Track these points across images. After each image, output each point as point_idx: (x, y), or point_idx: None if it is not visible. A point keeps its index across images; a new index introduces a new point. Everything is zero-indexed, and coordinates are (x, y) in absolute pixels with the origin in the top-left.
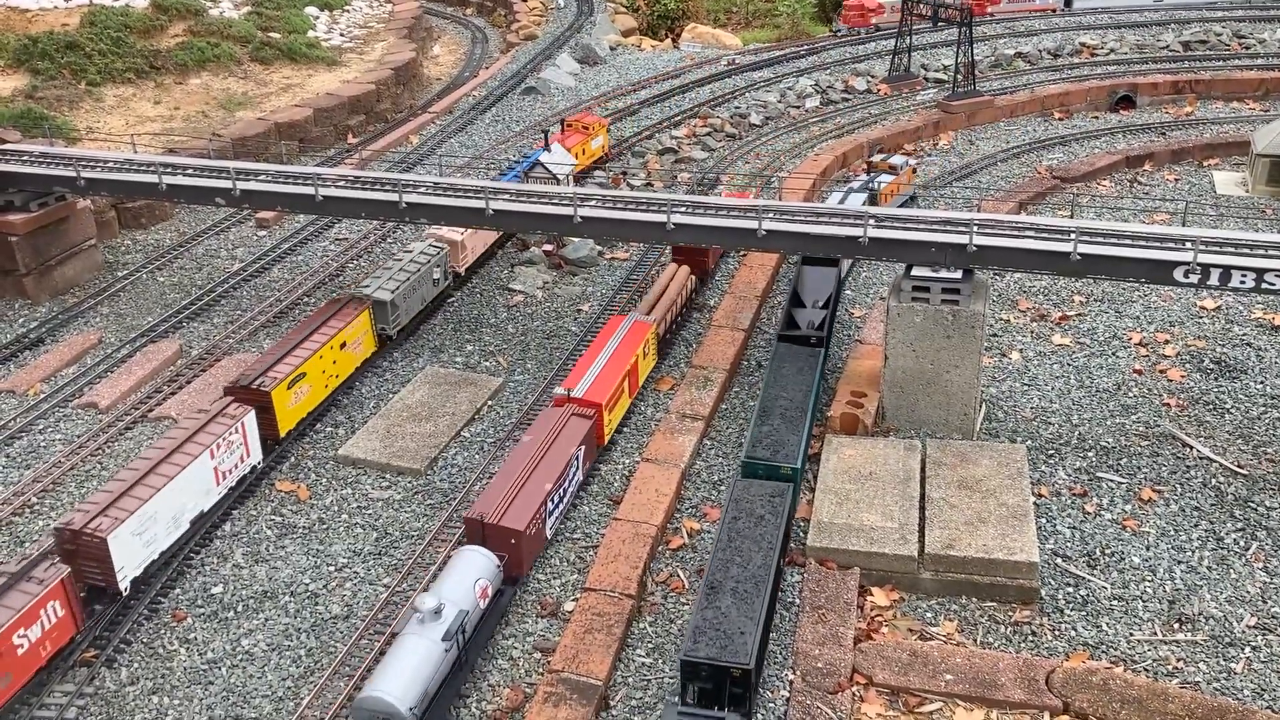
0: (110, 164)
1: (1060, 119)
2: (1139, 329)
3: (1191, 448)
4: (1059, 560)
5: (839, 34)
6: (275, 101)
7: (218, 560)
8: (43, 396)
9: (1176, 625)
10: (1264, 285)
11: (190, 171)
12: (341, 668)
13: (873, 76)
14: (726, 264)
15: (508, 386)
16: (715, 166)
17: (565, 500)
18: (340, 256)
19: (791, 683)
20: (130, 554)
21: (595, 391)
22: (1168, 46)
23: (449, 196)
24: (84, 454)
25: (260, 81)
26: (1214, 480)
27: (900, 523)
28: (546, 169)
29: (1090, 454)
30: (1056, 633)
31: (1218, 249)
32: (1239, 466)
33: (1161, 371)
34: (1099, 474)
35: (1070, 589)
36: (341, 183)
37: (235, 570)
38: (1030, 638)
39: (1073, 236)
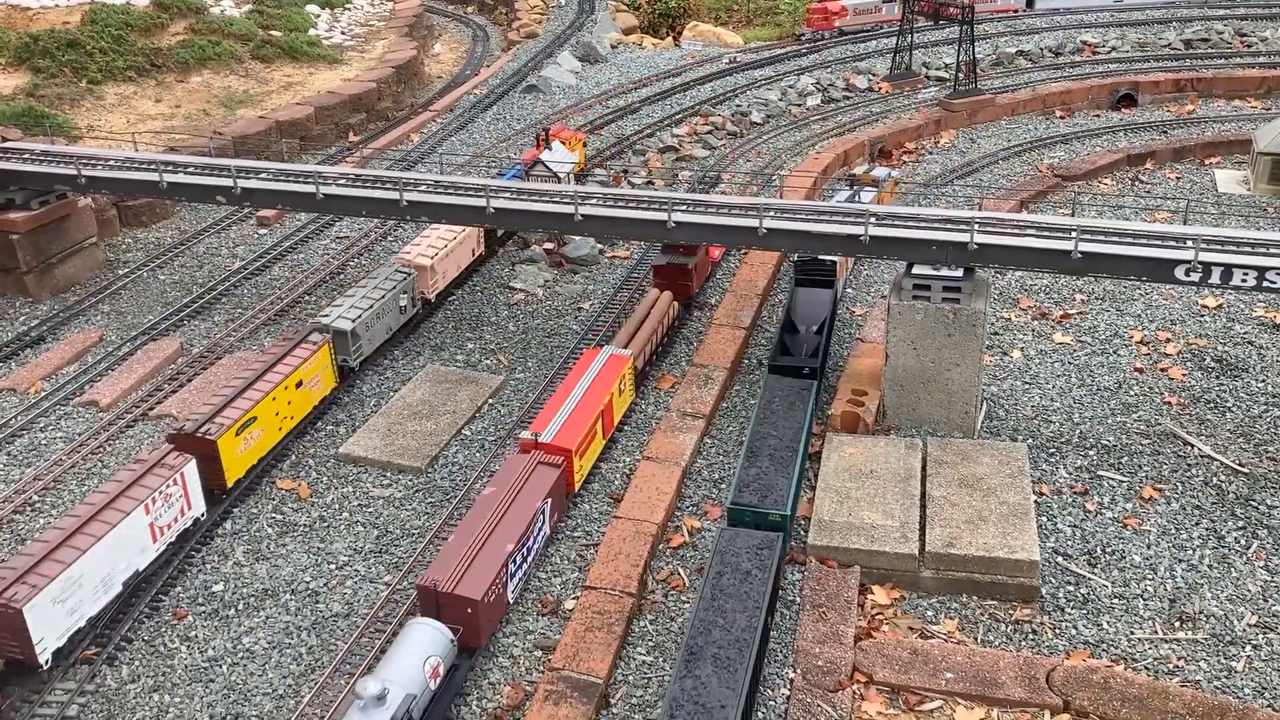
0: (111, 162)
1: (1062, 117)
2: (1140, 327)
3: (1193, 446)
4: (1060, 558)
5: (803, 38)
6: (276, 100)
7: (219, 558)
8: (44, 394)
9: (1177, 624)
10: (1265, 283)
11: (191, 170)
12: (342, 665)
13: (874, 75)
14: (728, 262)
15: (509, 385)
16: (716, 165)
17: (530, 559)
18: (341, 255)
19: (792, 681)
20: (51, 624)
21: (565, 436)
22: (1169, 44)
23: (450, 194)
24: (85, 452)
25: (261, 80)
26: (1215, 479)
27: (901, 521)
28: (547, 167)
29: (1091, 452)
30: (1057, 631)
31: (1219, 247)
32: (1240, 465)
33: (1163, 370)
34: (1100, 472)
35: (1071, 587)
36: (342, 181)
37: (236, 568)
38: (1031, 636)
39: (1074, 235)
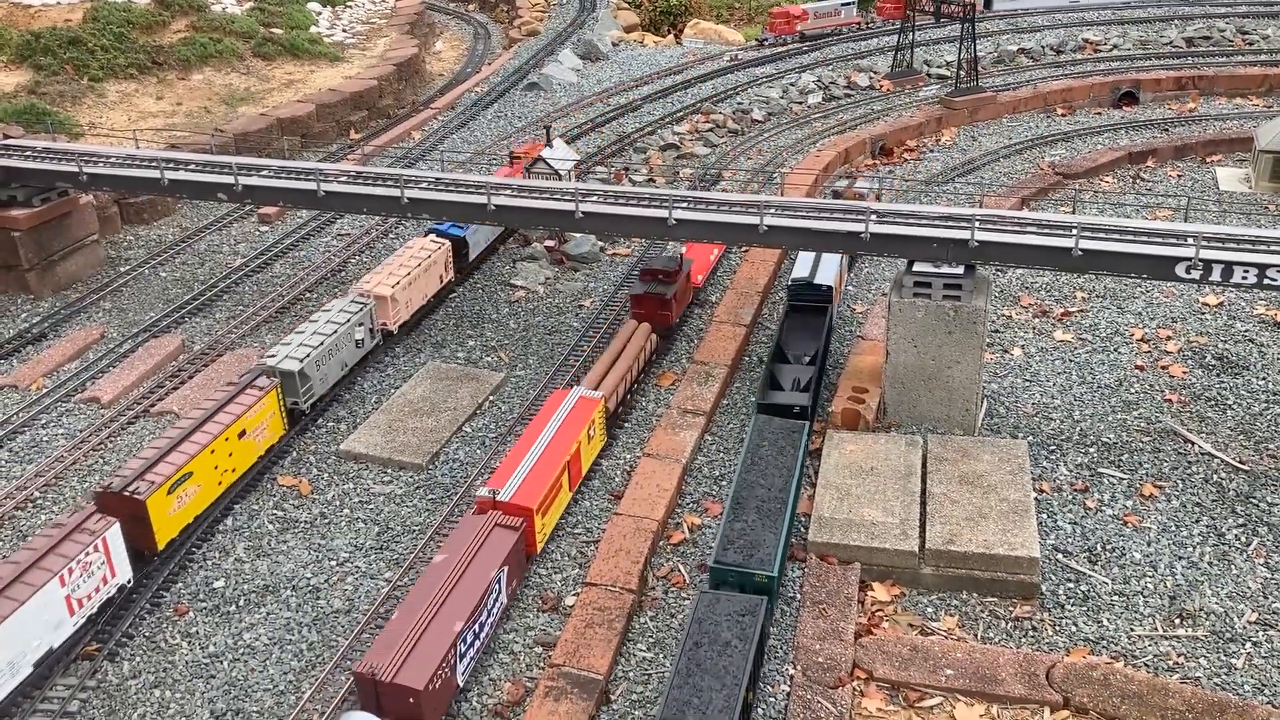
0: (113, 159)
1: (1063, 115)
2: (1141, 325)
3: (1193, 443)
4: (1060, 556)
5: (765, 43)
6: (277, 97)
7: (219, 555)
8: (45, 391)
9: (1177, 620)
10: (1266, 281)
11: (193, 167)
12: (343, 661)
13: (875, 72)
14: (728, 260)
15: (509, 382)
16: (718, 162)
17: (484, 635)
18: (342, 252)
19: (792, 677)
20: None
21: (526, 493)
22: (1171, 42)
23: (451, 192)
24: (86, 449)
25: (262, 77)
26: (1215, 476)
27: (901, 518)
28: (548, 164)
29: (1092, 450)
30: (1057, 628)
31: (1220, 245)
32: (1240, 462)
33: (1163, 367)
34: (1100, 470)
35: (1071, 584)
36: (344, 178)
37: (237, 564)
38: (1031, 633)
39: (1075, 232)
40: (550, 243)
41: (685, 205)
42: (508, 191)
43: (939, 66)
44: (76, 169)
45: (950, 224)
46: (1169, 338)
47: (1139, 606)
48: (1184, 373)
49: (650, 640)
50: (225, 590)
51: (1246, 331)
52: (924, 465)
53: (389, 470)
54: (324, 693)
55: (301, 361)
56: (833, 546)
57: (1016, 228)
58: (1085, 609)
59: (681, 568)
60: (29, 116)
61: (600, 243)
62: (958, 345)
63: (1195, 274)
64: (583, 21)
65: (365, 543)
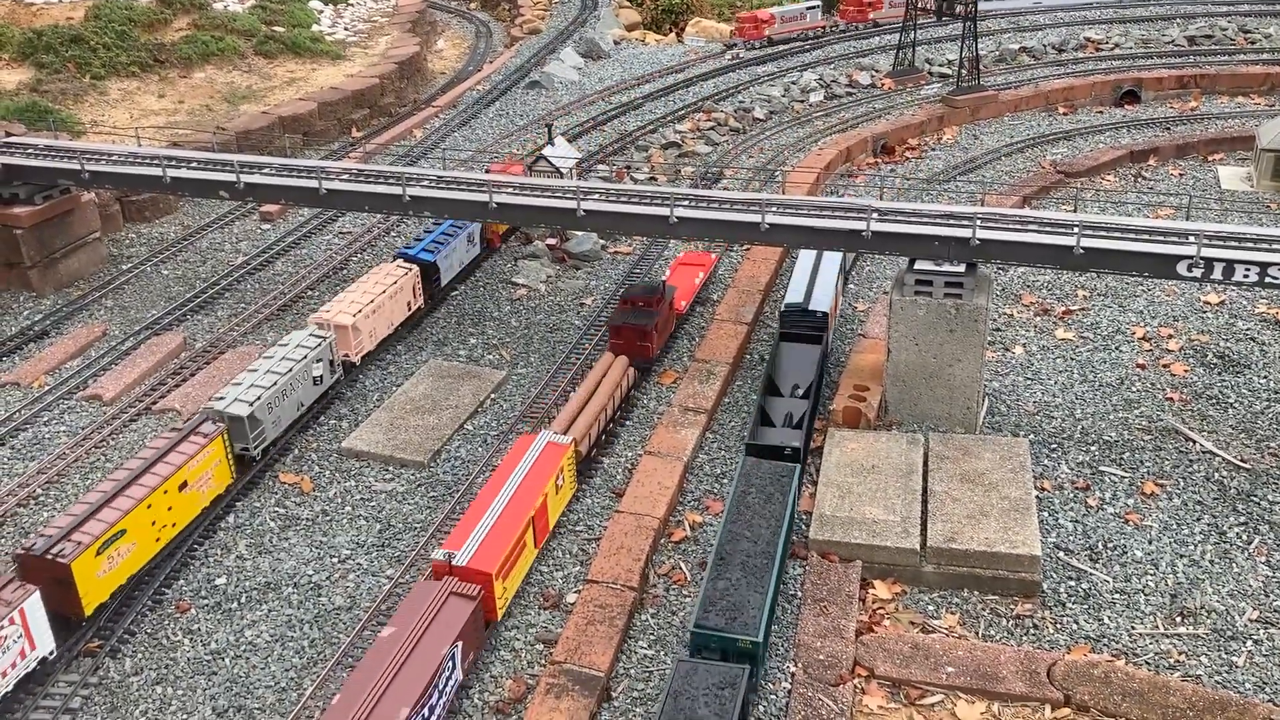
0: (115, 157)
1: (1065, 113)
2: (1142, 323)
3: (1194, 442)
4: (1061, 554)
5: (734, 48)
6: (279, 95)
7: (221, 552)
8: (47, 389)
9: (1178, 619)
10: (1268, 279)
11: (194, 165)
12: (344, 658)
13: (877, 71)
14: (730, 258)
15: (511, 380)
16: (719, 161)
17: (437, 716)
18: (344, 250)
19: (793, 675)
20: None
21: (485, 555)
22: (1173, 41)
23: (452, 190)
24: (88, 446)
25: (264, 75)
26: (1217, 474)
27: (902, 516)
28: (550, 162)
29: (1093, 448)
30: (1058, 626)
31: (1221, 243)
32: (1242, 461)
33: (1165, 366)
34: (1102, 468)
35: (1072, 582)
36: (345, 176)
37: (239, 561)
38: (1032, 631)
39: (1076, 230)
40: (552, 241)
41: (687, 203)
42: (509, 189)
43: (941, 65)
44: (79, 167)
45: (952, 222)
46: (1170, 336)
47: (1140, 604)
48: (1185, 371)
49: (651, 638)
50: (227, 587)
51: (1248, 330)
52: (925, 463)
53: (391, 468)
54: (325, 690)
55: (252, 404)
56: (834, 544)
57: (1018, 226)
58: (1086, 607)
59: (683, 565)
60: (31, 114)
61: (602, 241)
62: (959, 343)
63: (1197, 272)
64: (584, 20)
65: (367, 540)
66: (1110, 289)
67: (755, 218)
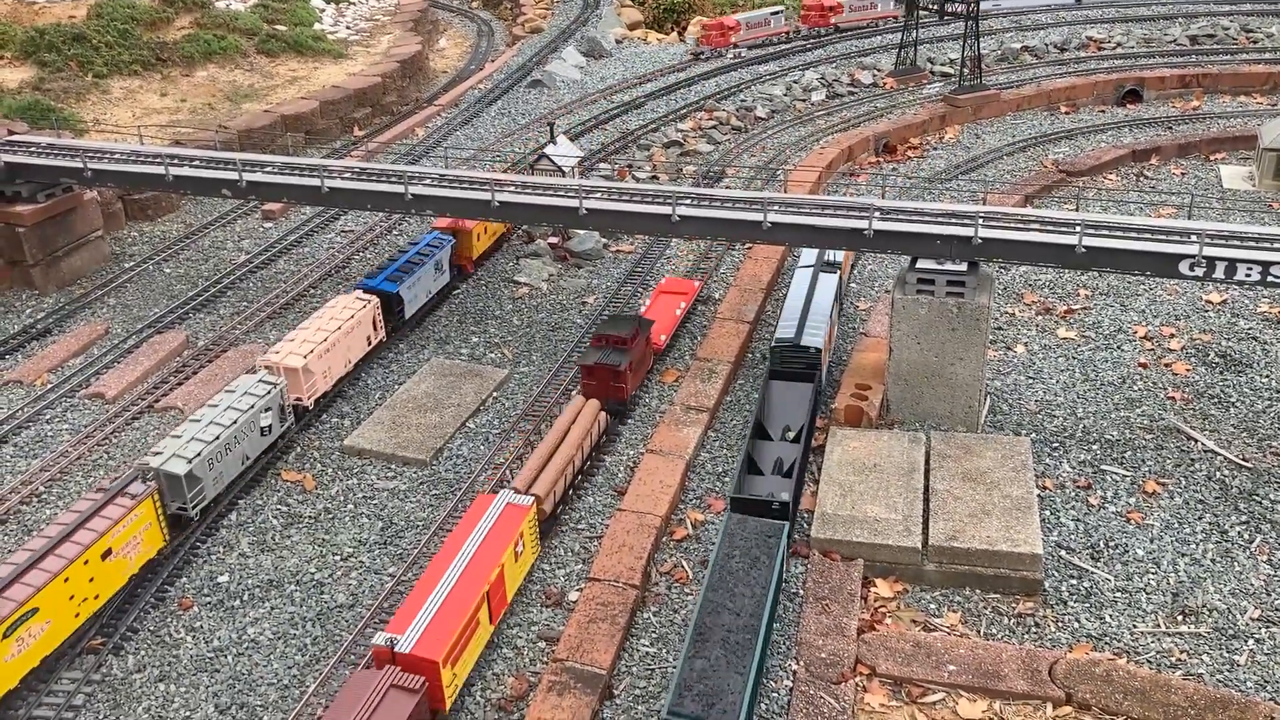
0: (117, 155)
1: (1067, 113)
2: (1144, 323)
3: (1196, 441)
4: (1063, 552)
5: (702, 57)
6: (281, 94)
7: (224, 549)
8: (50, 387)
9: (1180, 617)
10: (1270, 278)
11: (197, 163)
12: (347, 656)
13: (879, 70)
14: (731, 255)
15: (513, 378)
16: (721, 160)
17: None
18: (346, 248)
19: (795, 673)
20: None
21: (431, 640)
22: (1175, 40)
23: (454, 188)
24: (91, 444)
25: (266, 74)
26: (1218, 473)
27: (904, 514)
28: (552, 161)
29: (1095, 447)
30: (1060, 624)
31: (1223, 242)
32: (1244, 460)
33: (1166, 365)
34: (1103, 467)
35: (1074, 581)
36: (347, 174)
37: (241, 559)
38: (1034, 629)
39: (1078, 229)
40: (553, 239)
41: (689, 202)
42: (511, 188)
43: (942, 64)
44: (81, 165)
45: (954, 221)
46: (1172, 335)
47: (1142, 603)
48: (1187, 370)
49: (653, 635)
50: (229, 585)
51: (1250, 329)
52: (927, 462)
53: (393, 466)
54: (328, 687)
55: (191, 461)
56: (836, 543)
57: (1020, 225)
58: (1088, 605)
59: (684, 563)
60: (33, 113)
61: (604, 240)
62: (961, 342)
63: (1199, 271)
64: (586, 19)
65: (369, 538)
66: (1112, 288)
67: (757, 216)
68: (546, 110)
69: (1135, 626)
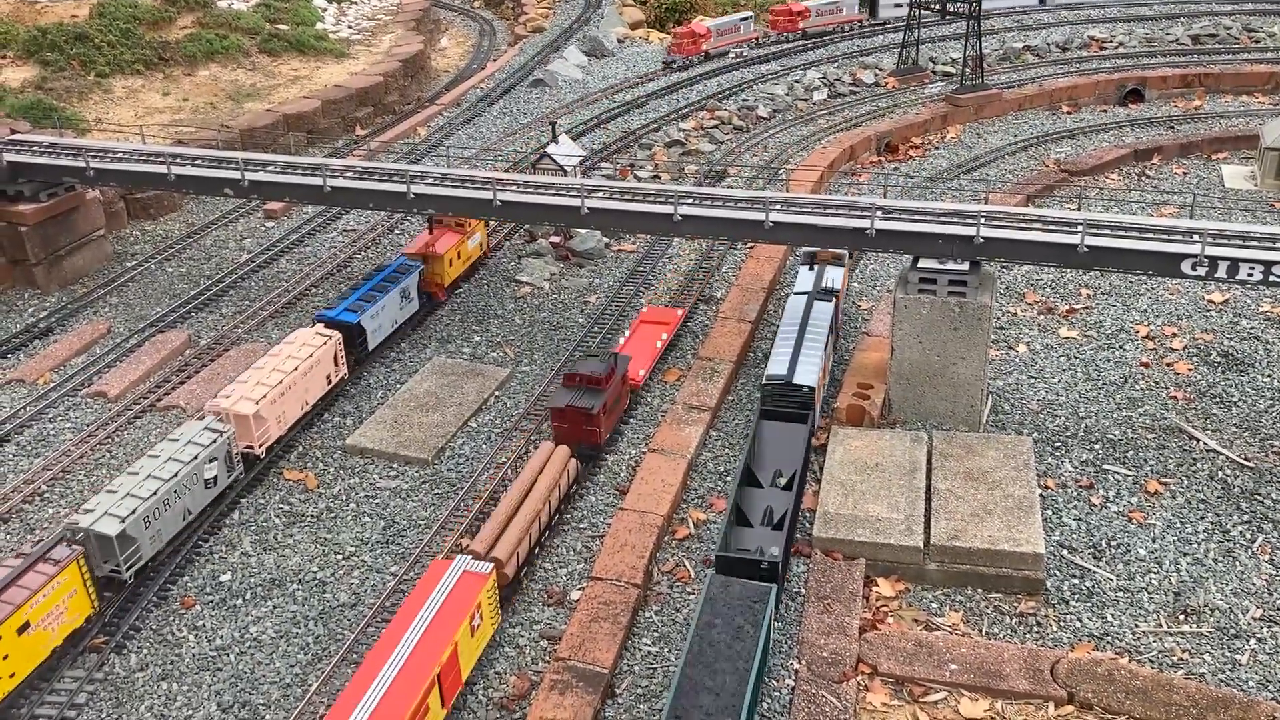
0: (119, 154)
1: (1069, 112)
2: (1146, 322)
3: (1198, 440)
4: (1065, 552)
5: (674, 65)
6: (283, 93)
7: (226, 548)
8: (52, 386)
9: (1182, 617)
10: (1272, 278)
11: (199, 162)
12: (349, 655)
13: (880, 69)
14: (733, 255)
15: (515, 377)
16: (723, 159)
17: None
18: (348, 247)
19: (797, 672)
20: None
21: None
22: (1177, 40)
23: (456, 187)
24: (93, 443)
25: (268, 73)
26: (1221, 473)
27: (906, 514)
28: (554, 160)
29: (1097, 446)
30: (1062, 624)
31: (1225, 242)
32: (1246, 459)
33: (1169, 365)
34: (1105, 466)
35: (1076, 580)
36: (349, 174)
37: (244, 558)
38: (1035, 628)
39: (1080, 229)
40: (555, 239)
41: (691, 201)
42: (514, 187)
43: (944, 64)
44: (83, 164)
45: (956, 221)
46: (1174, 335)
47: (1143, 603)
48: (1189, 370)
49: (655, 635)
50: (232, 584)
51: (1252, 329)
52: (929, 461)
53: (395, 465)
54: (330, 686)
55: (124, 520)
56: (837, 542)
57: (1022, 224)
58: (1090, 605)
59: (686, 563)
60: (36, 112)
61: (605, 239)
62: (963, 342)
63: (1201, 271)
64: (588, 18)
65: (371, 537)
66: (1114, 287)
67: (759, 216)
68: (548, 109)
69: (1137, 626)
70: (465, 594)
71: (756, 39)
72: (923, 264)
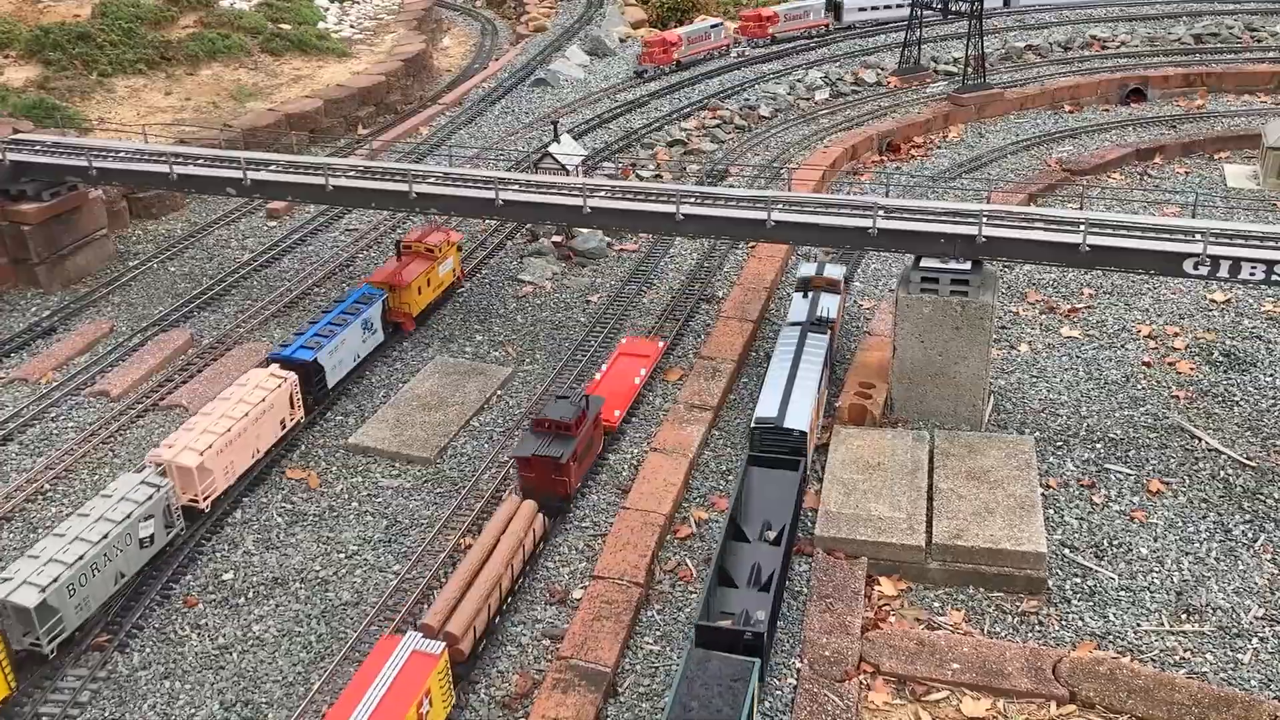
0: (122, 154)
1: (1071, 112)
2: (1148, 321)
3: (1200, 440)
4: (1067, 551)
5: (644, 75)
6: (286, 93)
7: (229, 547)
8: (55, 385)
9: (1184, 616)
10: (1274, 277)
11: (201, 162)
12: (351, 654)
13: (883, 69)
14: (735, 254)
15: (516, 376)
16: (725, 158)
17: None
18: (350, 247)
19: (799, 671)
20: None
21: None
22: (1179, 39)
23: (459, 186)
24: (96, 441)
25: (271, 73)
26: (1222, 472)
27: (908, 513)
28: (556, 160)
29: (1099, 446)
30: (1064, 623)
31: (1227, 241)
32: (1248, 459)
33: (1170, 364)
34: (1107, 465)
35: (1078, 579)
36: (352, 173)
37: (246, 557)
38: (1037, 627)
39: (1082, 228)
40: (557, 238)
41: (693, 201)
42: (516, 186)
43: (946, 63)
44: (86, 163)
45: (958, 220)
46: (1176, 334)
47: (1145, 602)
48: (1191, 369)
49: (657, 633)
50: (234, 582)
51: (1254, 328)
52: (931, 460)
53: (397, 464)
54: (332, 684)
55: (44, 589)
56: (840, 541)
57: (1024, 223)
58: (1092, 604)
59: (689, 562)
60: (38, 111)
61: (607, 238)
62: (965, 341)
63: (1203, 270)
64: (590, 18)
65: (373, 536)
66: (1116, 287)
67: (761, 215)
68: (550, 109)
69: (1139, 625)
70: (414, 677)
71: (727, 46)
72: (925, 263)
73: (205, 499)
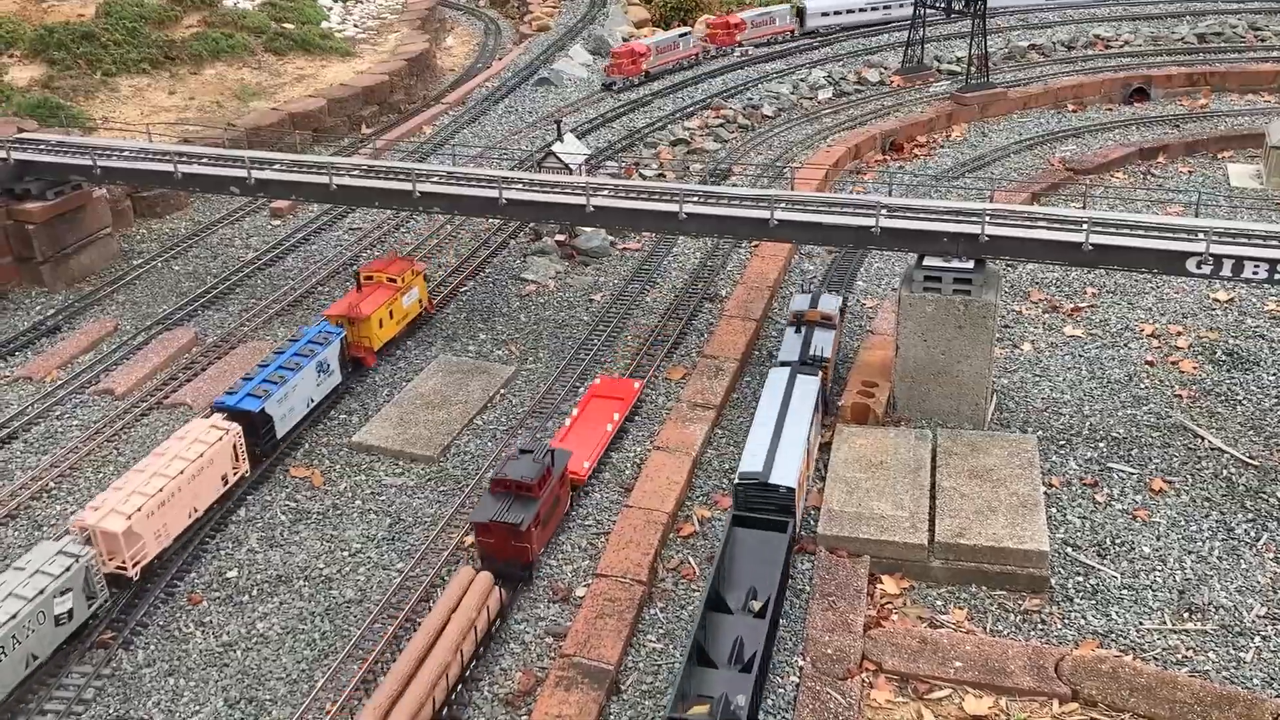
0: (126, 153)
1: (1074, 111)
2: (1151, 320)
3: (1203, 439)
4: (1069, 550)
5: (613, 87)
6: (289, 92)
7: (233, 545)
8: (60, 383)
9: (1186, 615)
10: (1277, 276)
11: (205, 161)
12: (355, 651)
13: (886, 68)
14: (738, 253)
15: (520, 375)
16: (728, 158)
17: None
18: (354, 246)
19: (801, 669)
20: None
21: None
22: (1182, 39)
23: (462, 186)
24: (100, 440)
25: (274, 72)
26: (1225, 471)
27: (911, 511)
28: (559, 158)
29: (1101, 444)
30: (1066, 621)
31: (1230, 240)
32: (1250, 458)
33: (1173, 363)
34: (1110, 464)
35: (1080, 578)
36: (355, 172)
37: (250, 555)
38: (1040, 626)
39: (1085, 227)
40: (561, 237)
41: (696, 199)
42: (519, 185)
43: (950, 62)
44: (90, 162)
45: (961, 219)
46: (1179, 333)
47: (1148, 600)
48: (1194, 368)
49: (660, 631)
50: (238, 580)
51: (1257, 327)
52: (933, 459)
53: (401, 462)
54: (336, 681)
55: None
56: (842, 539)
57: (1027, 223)
58: (1094, 602)
59: (691, 560)
60: (43, 111)
61: (611, 237)
62: (968, 340)
63: (1206, 269)
64: (593, 17)
65: (377, 534)
66: (1119, 286)
67: (764, 214)
68: (553, 108)
69: (1141, 623)
70: None
71: (696, 55)
72: (928, 262)
73: (135, 565)
